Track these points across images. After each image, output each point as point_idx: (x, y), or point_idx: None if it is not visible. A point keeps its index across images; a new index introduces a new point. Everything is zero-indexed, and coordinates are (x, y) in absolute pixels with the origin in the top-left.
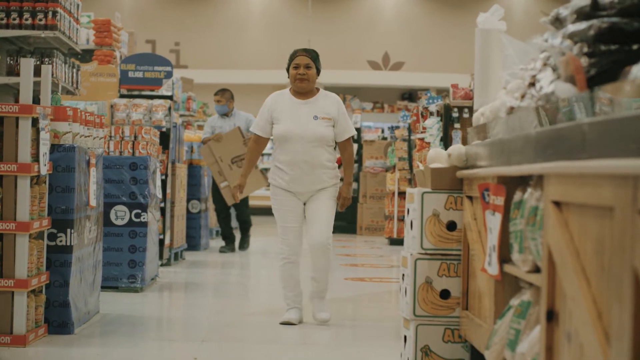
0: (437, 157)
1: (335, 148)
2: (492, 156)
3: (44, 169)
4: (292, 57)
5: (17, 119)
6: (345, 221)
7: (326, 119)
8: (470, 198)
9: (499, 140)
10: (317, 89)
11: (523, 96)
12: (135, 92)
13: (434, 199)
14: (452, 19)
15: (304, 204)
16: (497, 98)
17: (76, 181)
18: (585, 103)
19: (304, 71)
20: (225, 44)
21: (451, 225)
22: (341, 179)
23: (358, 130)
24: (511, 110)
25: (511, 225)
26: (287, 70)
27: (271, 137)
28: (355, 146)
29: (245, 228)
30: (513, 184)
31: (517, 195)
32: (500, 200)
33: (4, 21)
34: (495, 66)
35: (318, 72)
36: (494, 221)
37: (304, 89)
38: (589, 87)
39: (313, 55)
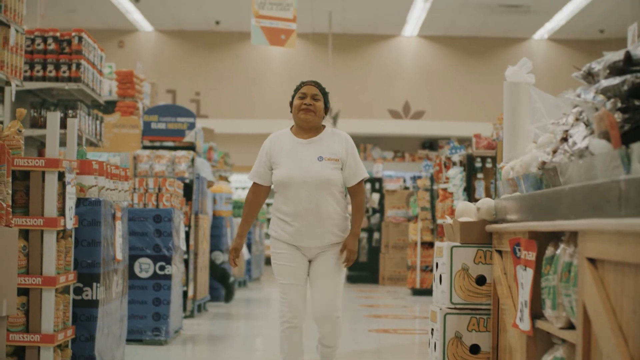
0: (466, 210)
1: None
2: (522, 211)
3: (70, 223)
4: (298, 87)
5: (43, 173)
6: (368, 271)
7: (333, 159)
8: (499, 252)
9: (529, 195)
10: (324, 126)
11: (555, 151)
12: (158, 144)
13: (463, 253)
14: (472, 68)
15: (309, 261)
16: (527, 152)
17: (102, 235)
18: (622, 159)
19: (310, 101)
20: (245, 94)
21: (480, 280)
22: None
23: (379, 180)
24: (543, 164)
25: (543, 280)
26: (291, 103)
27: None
28: (377, 196)
29: (221, 280)
30: (545, 239)
31: (549, 251)
32: (532, 256)
33: (28, 73)
34: (524, 119)
35: (326, 109)
36: (526, 276)
37: (308, 122)
38: (623, 143)
39: (322, 89)
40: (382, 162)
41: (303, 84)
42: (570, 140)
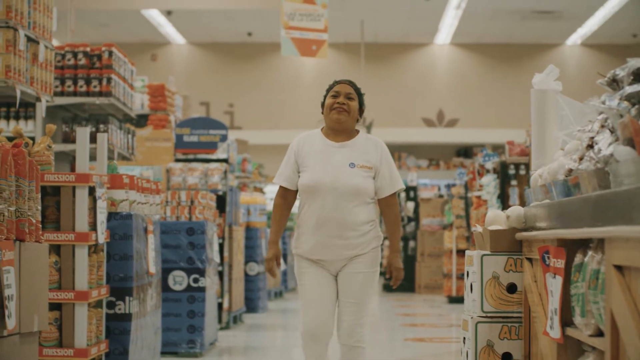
0: (495, 219)
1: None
2: (551, 218)
3: (102, 237)
4: (332, 86)
5: (74, 188)
6: (404, 280)
7: (365, 167)
8: (530, 260)
9: (558, 202)
10: (357, 131)
11: (581, 158)
12: (191, 156)
13: (493, 261)
14: (505, 74)
15: (336, 275)
16: (555, 159)
17: (134, 249)
18: None
19: (344, 100)
20: (278, 104)
21: (511, 288)
22: (385, 238)
23: (414, 188)
24: (569, 172)
25: (572, 288)
26: (322, 104)
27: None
28: (412, 204)
29: None
30: (574, 247)
31: (578, 258)
32: (560, 263)
33: (59, 89)
34: (552, 127)
35: (361, 111)
36: (555, 284)
37: (341, 123)
38: None
39: (357, 89)
40: (417, 170)
41: (336, 82)
42: (595, 147)
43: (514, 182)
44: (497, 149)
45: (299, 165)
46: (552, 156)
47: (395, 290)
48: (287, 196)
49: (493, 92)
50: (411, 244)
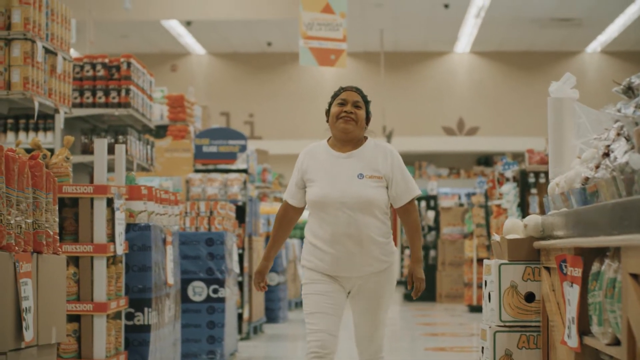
0: (513, 227)
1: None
2: (568, 227)
3: (120, 248)
4: (337, 93)
5: (92, 199)
6: (425, 289)
7: (375, 177)
8: (548, 269)
9: (574, 211)
10: (365, 138)
11: (597, 166)
12: (211, 167)
13: (511, 270)
14: (525, 82)
15: (348, 292)
16: (572, 168)
17: (153, 260)
18: None
19: (351, 109)
20: (298, 114)
21: (529, 297)
22: (406, 247)
23: (434, 197)
24: (586, 180)
25: (590, 297)
26: (327, 112)
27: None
28: (433, 213)
29: None
30: (590, 255)
31: (595, 267)
32: (577, 272)
33: (78, 100)
34: (569, 135)
35: (368, 119)
36: (572, 293)
37: (348, 133)
38: None
39: (364, 96)
40: (437, 179)
41: (342, 89)
42: (611, 156)
43: (534, 191)
44: (518, 157)
45: (306, 180)
46: (569, 164)
47: (416, 299)
48: (291, 213)
49: (513, 100)
50: (432, 253)
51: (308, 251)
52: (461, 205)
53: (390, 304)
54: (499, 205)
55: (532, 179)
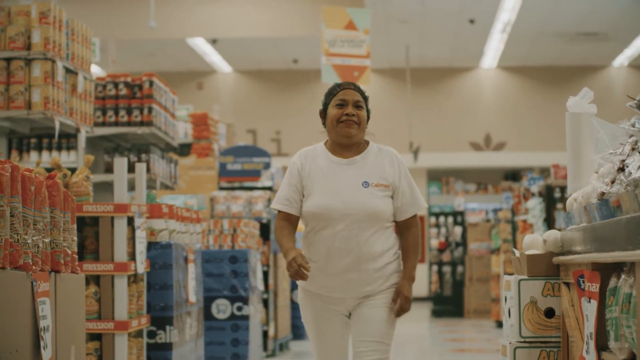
0: (533, 243)
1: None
2: (586, 242)
3: (141, 267)
4: (333, 91)
5: (112, 218)
6: (452, 305)
7: (381, 185)
8: (567, 284)
9: (591, 226)
10: (367, 143)
11: (613, 181)
12: (235, 184)
13: (530, 286)
14: (552, 97)
15: (349, 314)
16: (590, 183)
17: (174, 278)
18: None
19: (352, 110)
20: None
21: (549, 312)
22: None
23: (461, 213)
24: (602, 195)
25: (607, 312)
26: (323, 112)
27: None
28: (460, 229)
29: None
30: (608, 271)
31: (612, 282)
32: (595, 287)
33: (101, 119)
34: (587, 150)
35: (368, 118)
36: (590, 308)
37: (350, 138)
38: None
39: (363, 93)
40: (464, 195)
41: (339, 87)
42: (626, 170)
43: (559, 206)
44: (545, 172)
45: (304, 186)
46: (588, 179)
47: (444, 315)
48: (288, 221)
49: (540, 115)
50: (459, 269)
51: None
52: (488, 221)
53: (394, 331)
54: (525, 221)
55: (557, 194)
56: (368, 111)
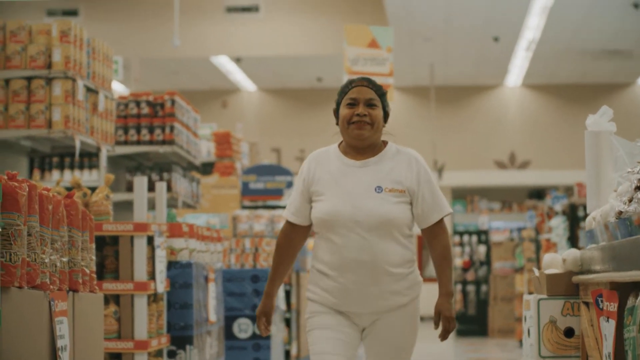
0: (552, 262)
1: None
2: (604, 261)
3: (161, 286)
4: (345, 89)
5: (132, 237)
6: (476, 324)
7: (397, 190)
8: (586, 304)
9: (609, 245)
10: (384, 143)
11: (631, 200)
12: (259, 203)
13: (550, 305)
14: (577, 114)
15: (362, 330)
16: (608, 201)
17: (194, 297)
18: None
19: (364, 110)
20: None
21: (569, 332)
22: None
23: (486, 232)
24: (620, 214)
25: (625, 332)
26: (336, 111)
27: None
28: (484, 248)
29: None
30: (626, 290)
31: (630, 301)
32: (613, 307)
33: (122, 138)
34: (607, 168)
35: (386, 116)
36: (609, 328)
37: (363, 140)
38: None
39: (378, 89)
40: (489, 213)
41: (351, 83)
42: None
43: (583, 224)
44: (569, 190)
45: (312, 192)
46: (607, 198)
47: (468, 334)
48: (293, 235)
49: (565, 133)
50: (483, 288)
51: (313, 280)
52: (512, 239)
53: (413, 348)
54: (548, 240)
55: (581, 213)
56: (386, 109)
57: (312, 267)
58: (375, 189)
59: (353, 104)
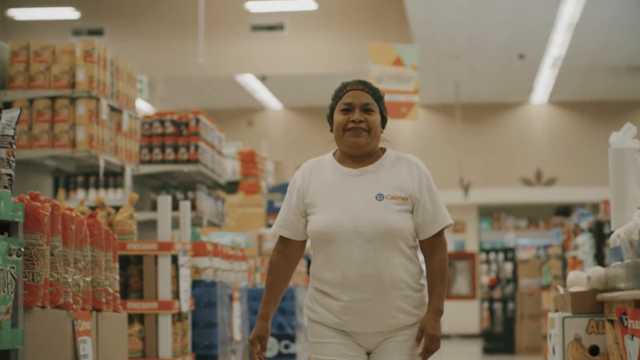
0: (577, 280)
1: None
2: (629, 279)
3: (185, 305)
4: (340, 93)
5: (156, 256)
6: (503, 342)
7: (399, 198)
8: (611, 322)
9: (633, 262)
10: (382, 150)
11: None
12: None
13: (575, 323)
14: (603, 131)
15: (368, 354)
16: (632, 219)
17: (219, 316)
18: None
19: (360, 116)
20: None
21: (594, 350)
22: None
23: (512, 249)
24: None
25: None
26: (330, 117)
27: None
28: (510, 265)
29: None
30: None
31: None
32: (638, 325)
33: (147, 157)
34: (631, 185)
35: (384, 121)
36: (633, 346)
37: (360, 148)
38: None
39: (375, 92)
40: (515, 230)
41: (346, 87)
42: None
43: (609, 242)
44: (596, 207)
45: (307, 204)
46: (631, 215)
47: (495, 352)
48: (288, 251)
49: (592, 149)
50: (510, 305)
51: (312, 298)
52: (538, 257)
53: None
54: (575, 257)
55: (607, 230)
56: (383, 113)
57: (310, 286)
58: (376, 197)
59: (348, 109)
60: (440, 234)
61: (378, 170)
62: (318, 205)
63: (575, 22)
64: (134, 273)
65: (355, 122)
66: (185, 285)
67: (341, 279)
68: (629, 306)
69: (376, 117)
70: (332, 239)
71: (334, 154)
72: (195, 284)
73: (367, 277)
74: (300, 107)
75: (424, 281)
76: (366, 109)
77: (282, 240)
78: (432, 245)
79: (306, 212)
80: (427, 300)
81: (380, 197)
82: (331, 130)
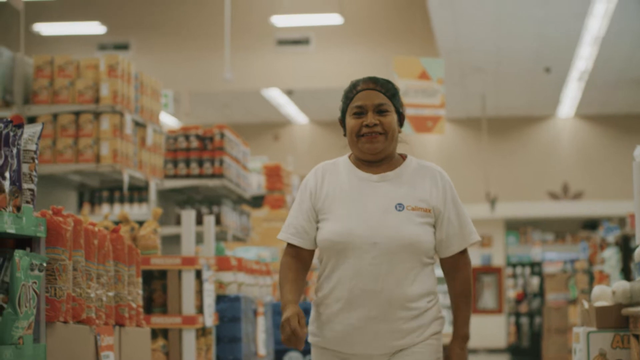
0: (601, 294)
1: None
2: None
3: (209, 320)
4: (350, 95)
5: (180, 271)
6: (530, 356)
7: (421, 209)
8: (637, 336)
9: None
10: (403, 157)
11: None
12: None
13: (599, 338)
14: (630, 144)
15: None
16: None
17: (243, 331)
18: None
19: (374, 119)
20: None
21: None
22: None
23: (539, 263)
24: None
25: None
26: (342, 120)
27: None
28: (537, 279)
29: None
30: None
31: None
32: None
33: (172, 172)
34: None
35: (401, 120)
36: None
37: (377, 154)
38: None
39: (388, 89)
40: (542, 244)
41: (356, 87)
42: None
43: None
44: (623, 221)
45: (318, 211)
46: None
47: None
48: (297, 261)
49: (619, 162)
50: (537, 319)
51: (315, 319)
52: (565, 271)
53: None
54: (601, 271)
55: (634, 244)
56: (400, 110)
57: (313, 307)
58: (397, 207)
59: (360, 112)
60: (464, 251)
61: (398, 177)
62: (331, 212)
63: (601, 35)
64: (157, 288)
65: (369, 126)
66: (209, 300)
67: (348, 296)
68: None
69: (392, 118)
70: (344, 249)
71: (349, 157)
72: (220, 298)
73: (377, 294)
74: (326, 121)
75: (436, 296)
76: (380, 110)
77: (292, 249)
78: (455, 264)
79: (317, 218)
80: (439, 315)
81: (400, 207)
82: (344, 135)
